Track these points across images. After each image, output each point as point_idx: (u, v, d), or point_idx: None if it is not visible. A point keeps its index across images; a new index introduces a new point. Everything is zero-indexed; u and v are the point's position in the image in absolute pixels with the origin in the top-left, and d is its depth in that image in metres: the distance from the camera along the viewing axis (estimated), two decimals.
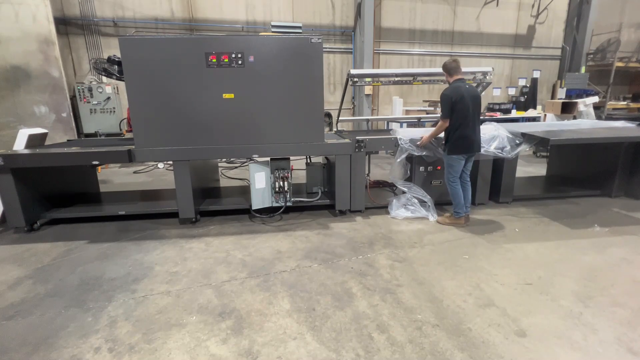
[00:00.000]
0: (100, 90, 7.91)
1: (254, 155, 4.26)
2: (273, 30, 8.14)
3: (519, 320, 2.52)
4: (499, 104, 10.74)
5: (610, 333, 2.39)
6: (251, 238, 3.99)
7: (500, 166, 4.77)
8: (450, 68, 4.02)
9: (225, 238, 4.00)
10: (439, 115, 8.97)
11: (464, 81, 4.03)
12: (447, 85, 4.11)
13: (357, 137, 4.47)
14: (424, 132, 4.45)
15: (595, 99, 8.72)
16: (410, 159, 4.61)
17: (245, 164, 7.67)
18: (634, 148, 4.99)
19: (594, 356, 2.19)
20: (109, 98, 7.99)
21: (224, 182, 6.28)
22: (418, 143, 4.34)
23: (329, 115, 10.19)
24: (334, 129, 6.13)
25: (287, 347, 2.29)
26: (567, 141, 4.52)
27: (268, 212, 4.52)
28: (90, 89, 7.89)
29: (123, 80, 3.92)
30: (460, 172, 4.16)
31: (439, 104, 4.12)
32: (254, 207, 4.38)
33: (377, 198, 4.92)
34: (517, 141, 4.54)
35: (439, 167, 4.65)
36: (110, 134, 7.91)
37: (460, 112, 3.91)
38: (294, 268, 3.30)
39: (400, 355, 2.22)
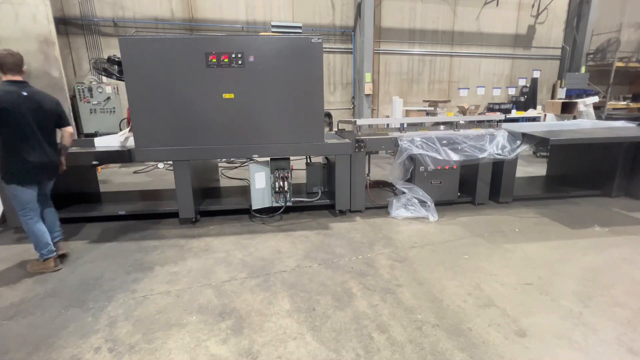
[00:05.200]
0: (100, 90, 7.91)
1: (254, 155, 4.26)
2: (273, 30, 8.15)
3: (519, 320, 2.52)
4: (499, 104, 10.78)
5: (610, 333, 2.39)
6: (251, 238, 3.99)
7: (500, 166, 4.76)
8: (3, 63, 2.92)
9: (225, 238, 4.00)
10: (439, 115, 8.96)
11: (25, 85, 3.03)
12: None
13: (356, 137, 4.47)
14: None
15: (595, 99, 8.70)
16: (412, 159, 4.59)
17: (245, 164, 7.66)
18: (634, 148, 4.99)
19: (594, 356, 2.20)
20: (109, 98, 7.99)
21: (224, 182, 6.27)
22: None
23: (329, 115, 10.20)
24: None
25: (287, 347, 2.29)
26: (567, 141, 4.52)
27: (268, 212, 4.52)
28: (90, 89, 7.88)
29: (123, 80, 3.91)
30: (36, 200, 3.18)
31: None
32: (254, 207, 4.38)
33: (377, 198, 4.92)
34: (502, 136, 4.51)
35: (438, 167, 4.65)
36: (110, 134, 7.89)
37: (16, 128, 2.88)
38: (294, 268, 3.30)
39: (400, 355, 2.22)
